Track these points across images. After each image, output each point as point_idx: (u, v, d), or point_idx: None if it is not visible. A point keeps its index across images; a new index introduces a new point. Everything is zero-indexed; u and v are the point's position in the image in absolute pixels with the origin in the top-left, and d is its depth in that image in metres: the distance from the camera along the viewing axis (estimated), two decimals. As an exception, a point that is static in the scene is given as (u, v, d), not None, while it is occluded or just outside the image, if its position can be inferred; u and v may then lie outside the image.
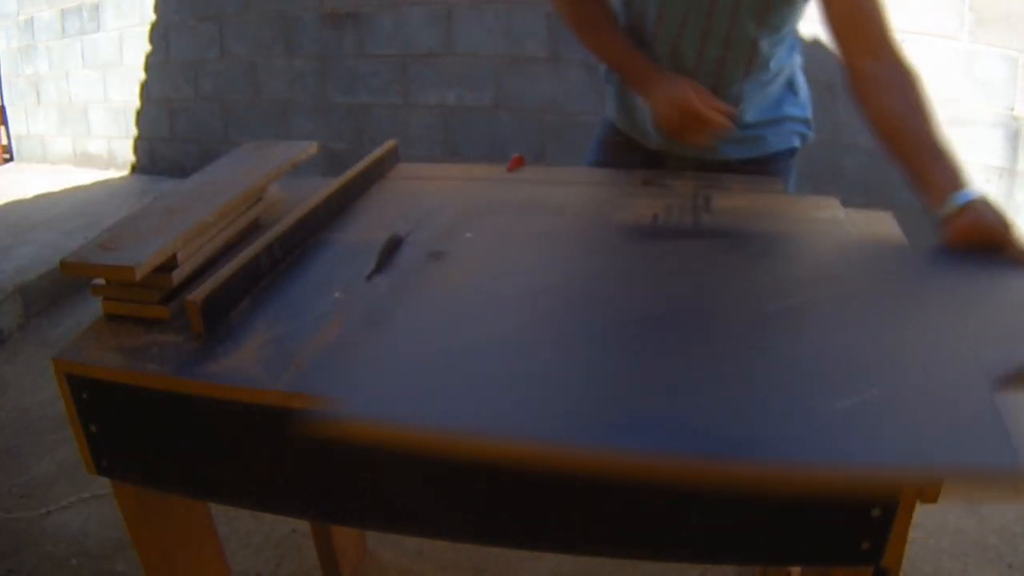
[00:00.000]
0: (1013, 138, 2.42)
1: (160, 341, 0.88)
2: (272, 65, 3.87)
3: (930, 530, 1.75)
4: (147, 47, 4.20)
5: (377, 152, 1.37)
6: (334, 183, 1.21)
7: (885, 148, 1.07)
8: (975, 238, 0.94)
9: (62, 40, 4.50)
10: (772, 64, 1.29)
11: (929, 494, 0.72)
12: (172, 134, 4.31)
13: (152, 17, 4.13)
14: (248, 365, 0.83)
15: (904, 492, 0.71)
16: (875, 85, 1.09)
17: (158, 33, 4.14)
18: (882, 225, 1.17)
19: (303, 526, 1.78)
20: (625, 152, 1.43)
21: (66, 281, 3.08)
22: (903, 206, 1.16)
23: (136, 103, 4.36)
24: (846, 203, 1.20)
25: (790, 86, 1.37)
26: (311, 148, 1.24)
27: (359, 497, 0.84)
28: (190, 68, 4.11)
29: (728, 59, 1.26)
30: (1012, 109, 2.39)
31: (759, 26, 1.22)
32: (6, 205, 3.89)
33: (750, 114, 1.32)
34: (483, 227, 1.08)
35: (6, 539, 1.82)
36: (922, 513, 0.73)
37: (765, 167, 1.35)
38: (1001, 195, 2.45)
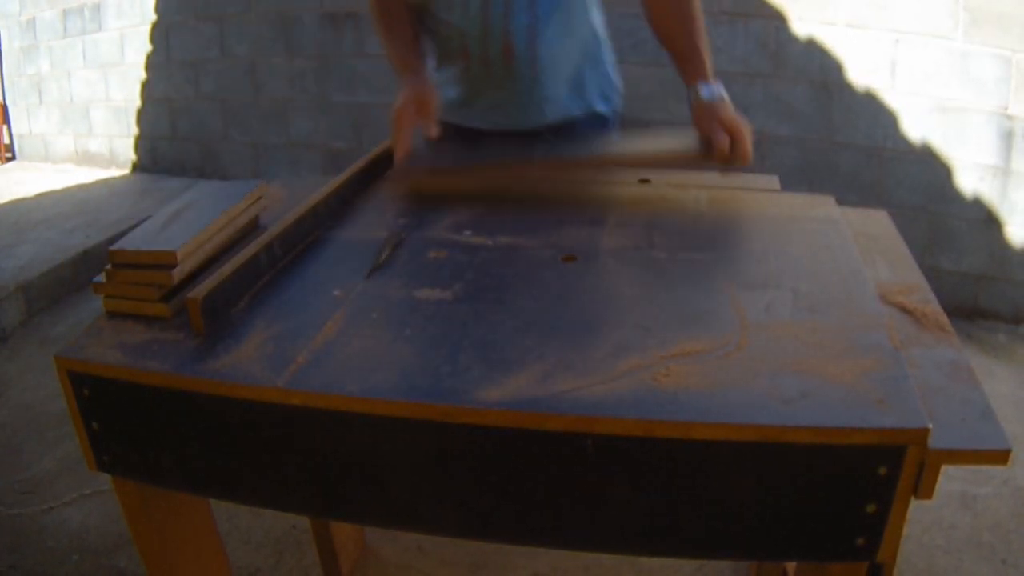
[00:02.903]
0: (1007, 137, 2.42)
1: (161, 338, 0.89)
2: (272, 65, 3.87)
3: (925, 526, 1.76)
4: (148, 47, 4.20)
5: (377, 150, 1.38)
6: (334, 182, 1.22)
7: (660, 41, 1.35)
8: (708, 125, 1.21)
9: (64, 40, 4.50)
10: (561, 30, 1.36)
11: (925, 490, 0.72)
12: (173, 133, 4.31)
13: (153, 17, 4.13)
14: (248, 362, 0.83)
15: (900, 490, 0.72)
16: None
17: (159, 33, 4.14)
18: (877, 223, 1.18)
19: (302, 522, 1.78)
20: (449, 140, 1.51)
21: (67, 279, 3.10)
22: (898, 205, 1.17)
23: (137, 102, 4.37)
24: (841, 201, 1.20)
25: (586, 54, 1.43)
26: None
27: (358, 493, 0.85)
28: (191, 68, 4.11)
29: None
30: (1006, 108, 2.40)
31: None
32: (8, 204, 3.89)
33: (545, 83, 1.39)
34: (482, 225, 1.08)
35: (8, 535, 1.83)
36: (916, 509, 0.74)
37: (573, 131, 1.43)
38: (995, 193, 2.45)
